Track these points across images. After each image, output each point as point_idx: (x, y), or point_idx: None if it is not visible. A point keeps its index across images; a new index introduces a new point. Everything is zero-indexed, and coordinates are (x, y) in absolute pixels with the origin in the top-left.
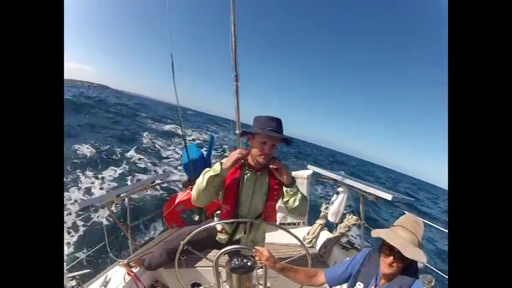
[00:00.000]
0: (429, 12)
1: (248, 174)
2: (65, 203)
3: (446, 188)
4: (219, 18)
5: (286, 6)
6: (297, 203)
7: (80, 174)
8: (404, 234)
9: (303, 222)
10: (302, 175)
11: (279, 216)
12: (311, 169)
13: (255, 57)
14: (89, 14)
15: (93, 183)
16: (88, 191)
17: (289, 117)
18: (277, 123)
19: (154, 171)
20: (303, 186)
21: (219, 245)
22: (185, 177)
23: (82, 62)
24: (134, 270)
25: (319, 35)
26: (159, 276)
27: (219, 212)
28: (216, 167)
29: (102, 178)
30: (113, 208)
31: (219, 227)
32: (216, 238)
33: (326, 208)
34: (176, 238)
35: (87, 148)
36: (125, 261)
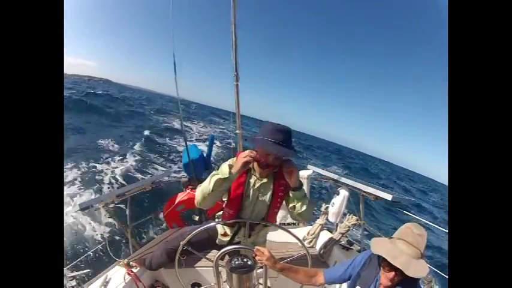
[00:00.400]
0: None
1: (254, 179)
2: (65, 203)
3: (431, 177)
4: (224, 14)
5: (287, 3)
6: (303, 208)
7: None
8: (406, 249)
9: (303, 223)
10: (302, 175)
11: (279, 216)
12: (311, 169)
13: (256, 52)
14: (91, 8)
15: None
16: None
17: (289, 108)
18: (284, 135)
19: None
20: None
21: (220, 247)
22: (185, 177)
23: (84, 57)
24: (134, 270)
25: (318, 35)
26: (159, 276)
27: (220, 213)
28: (224, 170)
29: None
30: (112, 208)
31: (221, 230)
32: (217, 241)
33: (326, 208)
34: (176, 238)
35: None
36: (125, 261)
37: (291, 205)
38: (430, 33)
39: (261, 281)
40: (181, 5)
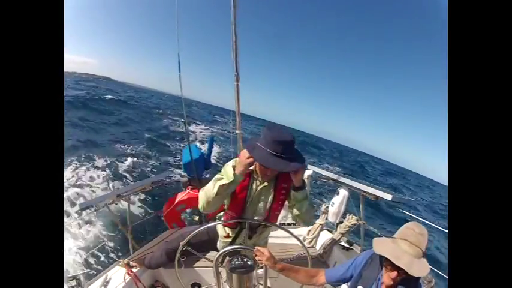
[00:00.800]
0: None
1: (256, 183)
2: (65, 202)
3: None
4: (225, 13)
5: (287, 4)
6: (302, 210)
7: None
8: (408, 249)
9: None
10: None
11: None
12: (311, 169)
13: (256, 50)
14: (92, 5)
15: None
16: None
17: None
18: (285, 146)
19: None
20: None
21: (220, 249)
22: (185, 177)
23: (85, 55)
24: (134, 270)
25: (318, 34)
26: (159, 276)
27: (221, 214)
28: (229, 173)
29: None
30: (113, 208)
31: (223, 232)
32: (218, 243)
33: (326, 208)
34: (176, 238)
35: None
36: (125, 261)
37: (290, 205)
38: (430, 34)
39: (261, 281)
40: (182, 4)
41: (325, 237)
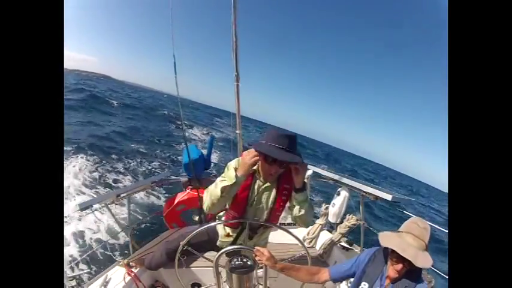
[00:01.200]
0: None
1: (258, 183)
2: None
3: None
4: (225, 12)
5: (287, 5)
6: (302, 212)
7: None
8: (413, 242)
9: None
10: None
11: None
12: (311, 169)
13: (256, 53)
14: (93, 3)
15: None
16: None
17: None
18: (290, 141)
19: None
20: None
21: (220, 249)
22: (185, 177)
23: (86, 52)
24: (134, 270)
25: (318, 34)
26: (159, 276)
27: (221, 214)
28: (231, 175)
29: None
30: (112, 208)
31: (223, 232)
32: (218, 242)
33: (326, 208)
34: (176, 238)
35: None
36: (125, 261)
37: (290, 205)
38: (430, 34)
39: (261, 281)
40: (182, 4)
41: (325, 237)
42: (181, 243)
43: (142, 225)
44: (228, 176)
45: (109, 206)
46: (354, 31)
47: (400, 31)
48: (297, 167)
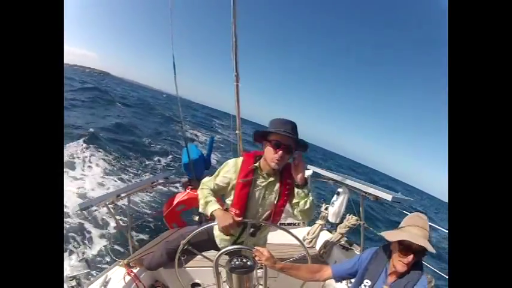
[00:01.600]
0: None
1: (260, 179)
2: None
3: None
4: (225, 12)
5: (287, 5)
6: (307, 206)
7: None
8: (420, 232)
9: (303, 223)
10: None
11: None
12: (311, 169)
13: (255, 54)
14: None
15: None
16: None
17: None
18: (292, 126)
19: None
20: None
21: (220, 248)
22: (185, 177)
23: (86, 48)
24: (134, 270)
25: (317, 34)
26: (159, 276)
27: None
28: (208, 208)
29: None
30: (112, 208)
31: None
32: (218, 241)
33: (326, 208)
34: (176, 238)
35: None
36: (125, 261)
37: (294, 201)
38: (429, 34)
39: (261, 281)
40: (182, 3)
41: (325, 237)
42: (182, 242)
43: (142, 225)
44: (205, 207)
45: (109, 206)
46: (353, 32)
47: (399, 32)
48: (297, 163)
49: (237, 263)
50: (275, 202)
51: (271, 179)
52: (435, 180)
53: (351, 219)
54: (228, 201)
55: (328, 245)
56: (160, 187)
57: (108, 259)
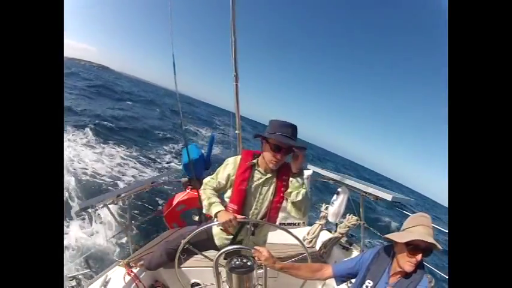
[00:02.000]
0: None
1: (257, 176)
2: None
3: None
4: (225, 11)
5: (287, 6)
6: (299, 198)
7: None
8: (426, 231)
9: (303, 222)
10: None
11: (279, 216)
12: (311, 169)
13: (255, 54)
14: None
15: None
16: None
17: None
18: (292, 129)
19: None
20: None
21: (219, 248)
22: (185, 177)
23: (85, 42)
24: (134, 270)
25: (316, 35)
26: (159, 276)
27: None
28: (212, 209)
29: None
30: (112, 208)
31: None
32: (217, 239)
33: (326, 208)
34: (176, 238)
35: None
36: (125, 261)
37: (287, 191)
38: (429, 34)
39: (261, 281)
40: (182, 3)
41: (325, 237)
42: (182, 241)
43: (142, 225)
44: (209, 208)
45: (109, 206)
46: (352, 34)
47: (399, 32)
48: (296, 154)
49: (237, 263)
50: (272, 198)
51: (269, 175)
52: (427, 180)
53: (351, 219)
54: (226, 198)
55: (328, 245)
56: (160, 187)
57: (108, 259)
